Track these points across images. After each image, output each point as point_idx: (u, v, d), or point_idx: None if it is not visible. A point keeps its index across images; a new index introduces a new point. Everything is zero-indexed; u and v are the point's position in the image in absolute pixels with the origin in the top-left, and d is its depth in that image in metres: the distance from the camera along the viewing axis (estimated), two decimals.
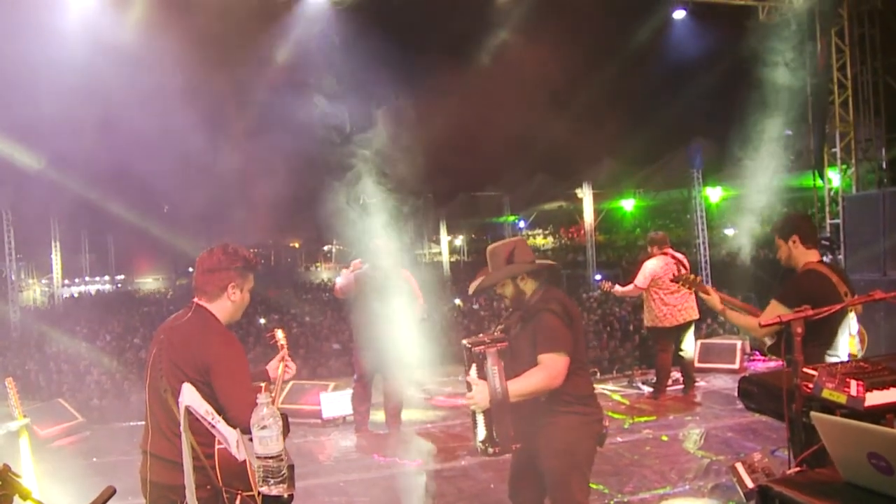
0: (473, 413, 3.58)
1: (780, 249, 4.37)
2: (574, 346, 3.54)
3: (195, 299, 3.22)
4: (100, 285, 36.88)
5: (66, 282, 30.34)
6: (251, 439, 2.65)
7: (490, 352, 3.46)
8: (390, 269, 6.95)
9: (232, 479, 2.91)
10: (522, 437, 3.54)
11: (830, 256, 10.73)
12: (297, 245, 47.56)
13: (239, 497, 2.89)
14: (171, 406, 2.95)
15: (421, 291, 7.33)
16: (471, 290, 3.95)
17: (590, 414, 3.65)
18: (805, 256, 4.26)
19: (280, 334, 3.83)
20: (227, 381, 2.97)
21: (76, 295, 32.79)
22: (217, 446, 2.92)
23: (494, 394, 3.39)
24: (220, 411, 2.92)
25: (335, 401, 8.03)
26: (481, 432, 3.56)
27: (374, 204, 7.42)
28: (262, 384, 3.13)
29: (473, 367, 3.53)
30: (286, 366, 3.62)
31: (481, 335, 3.80)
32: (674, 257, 8.32)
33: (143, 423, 3.19)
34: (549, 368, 3.44)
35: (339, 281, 7.67)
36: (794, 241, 4.28)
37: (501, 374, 3.42)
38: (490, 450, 3.53)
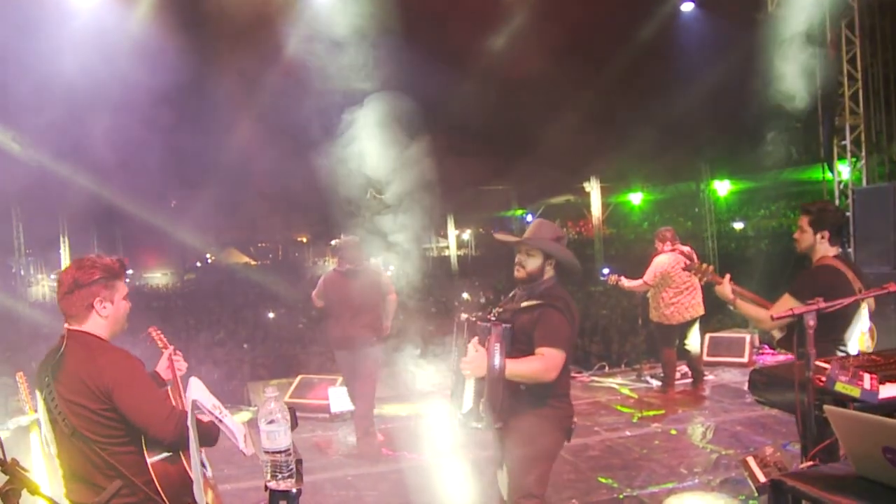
0: (462, 383, 3.61)
1: (802, 234, 4.28)
2: (570, 347, 3.65)
3: (66, 325, 2.92)
4: None
5: None
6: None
7: (497, 327, 3.49)
8: (358, 267, 6.81)
9: (180, 494, 2.76)
10: (506, 416, 3.57)
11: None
12: (304, 240, 47.63)
13: None
14: (86, 448, 2.77)
15: (394, 287, 7.10)
16: (500, 237, 4.03)
17: (562, 409, 3.74)
18: (826, 251, 4.20)
19: (156, 333, 3.51)
20: (136, 400, 2.76)
21: None
22: (149, 459, 2.77)
23: (492, 367, 3.42)
24: (135, 433, 2.77)
25: (343, 395, 8.03)
26: (467, 404, 3.57)
27: (382, 199, 7.39)
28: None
29: (475, 339, 3.56)
30: (175, 363, 3.34)
31: (481, 313, 3.84)
32: (682, 253, 8.28)
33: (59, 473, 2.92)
34: (548, 361, 3.51)
35: None
36: (822, 236, 4.21)
37: (503, 350, 3.45)
38: (472, 423, 3.57)
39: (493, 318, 3.62)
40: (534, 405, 3.63)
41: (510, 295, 3.93)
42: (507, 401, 3.53)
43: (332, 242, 7.57)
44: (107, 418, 2.76)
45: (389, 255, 8.20)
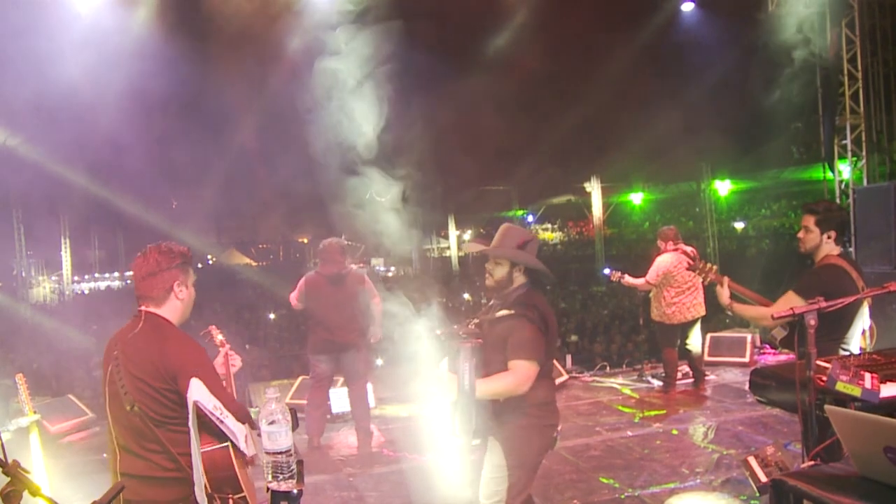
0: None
1: (808, 234, 4.25)
2: (544, 356, 3.59)
3: (142, 307, 3.06)
4: (109, 281, 37.03)
5: (76, 278, 30.50)
6: (259, 434, 2.62)
7: (465, 347, 3.47)
8: (341, 270, 6.69)
9: (221, 484, 2.83)
10: (482, 433, 3.57)
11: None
12: (305, 241, 47.62)
13: (231, 501, 2.84)
14: (140, 423, 2.87)
15: (378, 292, 6.96)
16: (467, 248, 4.01)
17: (542, 417, 3.68)
18: (830, 250, 4.19)
19: (215, 331, 3.69)
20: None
21: (86, 291, 32.96)
22: (202, 449, 2.84)
23: (462, 388, 3.42)
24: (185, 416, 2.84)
25: (344, 396, 8.02)
26: (448, 420, 3.59)
27: (383, 199, 7.36)
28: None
29: (446, 358, 3.58)
30: (231, 360, 3.51)
31: (455, 327, 3.82)
32: (685, 252, 8.26)
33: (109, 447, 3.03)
34: (519, 375, 3.49)
35: None
36: (829, 236, 4.19)
37: (472, 371, 3.43)
38: (454, 435, 3.58)
39: (464, 335, 3.58)
40: (513, 415, 3.61)
41: (489, 304, 3.88)
42: (485, 414, 3.53)
43: None
44: (167, 398, 2.87)
45: (390, 256, 8.20)
